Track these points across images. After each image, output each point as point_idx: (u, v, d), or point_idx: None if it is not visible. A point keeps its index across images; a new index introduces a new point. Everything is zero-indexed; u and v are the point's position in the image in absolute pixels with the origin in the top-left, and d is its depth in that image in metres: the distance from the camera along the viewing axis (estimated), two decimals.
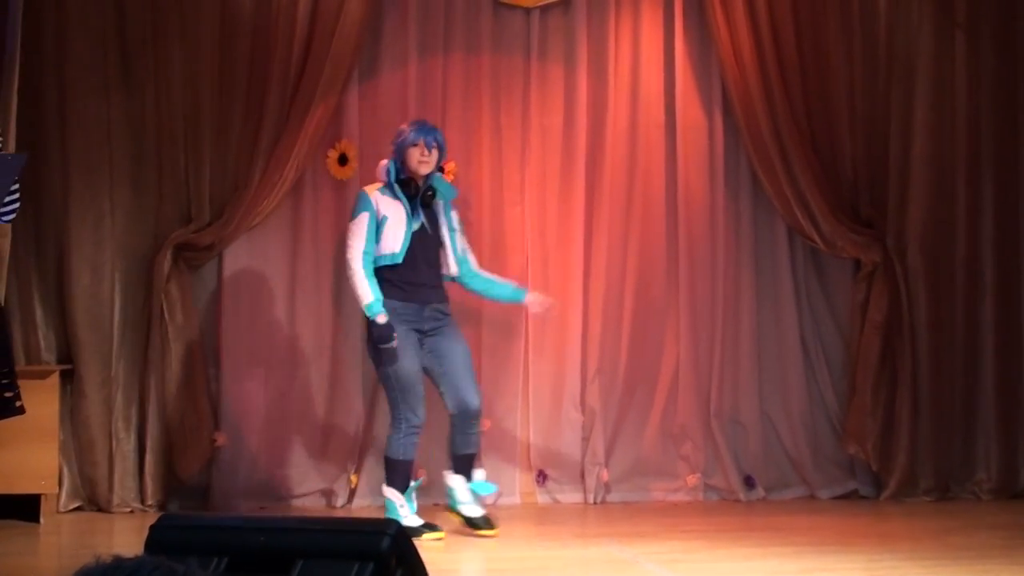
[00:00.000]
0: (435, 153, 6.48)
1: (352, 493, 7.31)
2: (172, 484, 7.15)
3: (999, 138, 7.77)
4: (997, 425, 7.70)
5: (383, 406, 7.35)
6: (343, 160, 7.39)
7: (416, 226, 6.44)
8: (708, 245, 7.70)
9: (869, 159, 7.72)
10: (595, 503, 7.46)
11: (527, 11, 7.61)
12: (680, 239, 7.68)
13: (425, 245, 6.46)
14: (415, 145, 6.46)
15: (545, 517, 6.62)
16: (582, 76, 7.62)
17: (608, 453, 7.56)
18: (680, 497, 7.62)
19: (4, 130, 6.37)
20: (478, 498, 6.51)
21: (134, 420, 7.11)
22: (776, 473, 7.71)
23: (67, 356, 7.07)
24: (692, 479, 7.64)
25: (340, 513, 7.12)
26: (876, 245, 7.61)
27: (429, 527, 6.36)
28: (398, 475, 6.41)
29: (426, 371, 6.46)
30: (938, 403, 7.64)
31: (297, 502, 7.29)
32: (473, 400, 6.45)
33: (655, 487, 7.64)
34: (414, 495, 6.45)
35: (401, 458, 6.40)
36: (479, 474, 6.55)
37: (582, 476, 7.50)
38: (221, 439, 7.22)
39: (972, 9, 7.76)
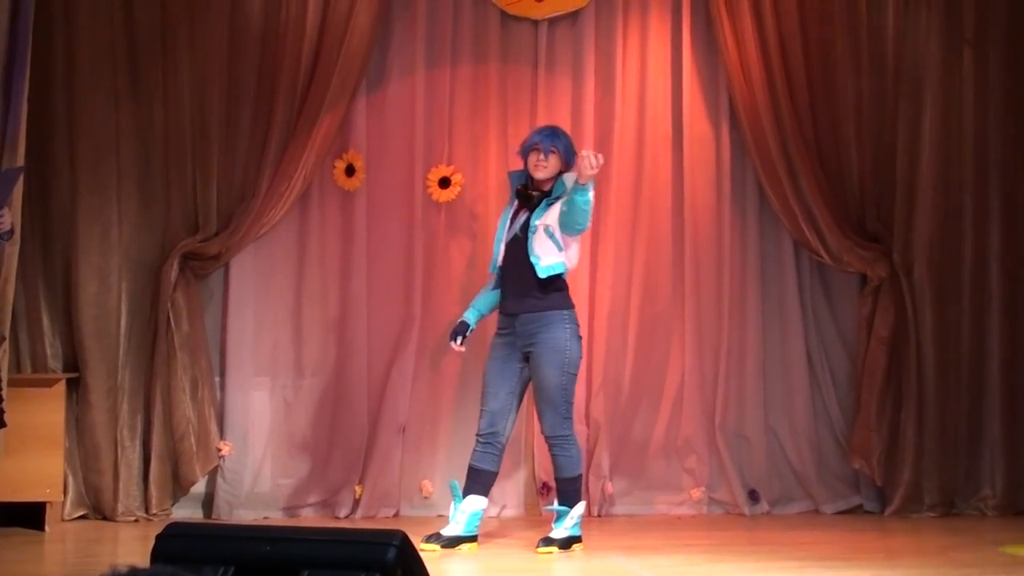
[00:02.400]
0: (552, 158, 6.42)
1: (356, 504, 7.31)
2: (177, 493, 7.16)
3: (1006, 154, 7.76)
4: (1003, 441, 7.68)
5: (387, 418, 7.37)
6: (350, 171, 7.40)
7: (511, 235, 6.44)
8: (714, 258, 7.70)
9: (876, 174, 7.72)
10: (599, 516, 7.45)
11: (535, 22, 7.62)
12: (686, 252, 7.68)
13: (519, 253, 6.40)
14: (534, 149, 6.44)
15: (548, 529, 6.60)
16: (589, 88, 7.63)
17: (612, 466, 7.55)
18: (684, 511, 7.61)
19: (15, 138, 6.39)
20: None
21: (139, 428, 7.11)
22: (781, 487, 7.70)
23: (73, 364, 7.08)
24: (696, 492, 7.63)
25: (344, 524, 7.11)
26: (882, 260, 7.61)
27: (461, 540, 6.36)
28: (465, 479, 6.45)
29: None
30: (943, 418, 7.63)
31: (301, 512, 7.29)
32: (543, 424, 6.43)
33: (659, 500, 7.63)
34: (463, 504, 6.38)
35: (469, 462, 6.45)
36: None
37: (586, 488, 7.49)
38: (226, 448, 7.23)
39: (980, 25, 7.75)
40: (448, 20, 7.54)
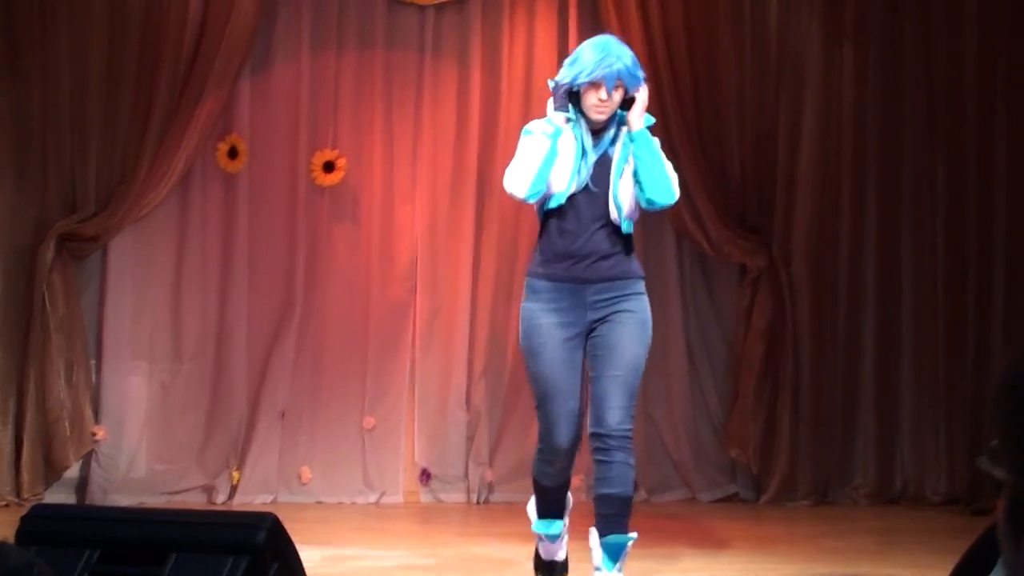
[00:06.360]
0: (618, 94, 4.97)
1: (234, 490, 7.26)
2: (50, 477, 7.06)
3: (883, 148, 7.88)
4: (875, 431, 7.80)
5: (266, 404, 7.32)
6: (233, 153, 7.34)
7: (586, 172, 5.00)
8: None
9: (757, 166, 7.80)
10: (479, 503, 7.47)
11: (421, 8, 7.60)
12: None
13: (594, 202, 5.03)
14: (594, 86, 4.95)
15: (428, 516, 6.62)
16: (475, 75, 7.62)
17: (493, 453, 7.56)
18: None
19: None
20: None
21: (12, 411, 7.00)
22: (658, 475, 7.76)
23: None
24: (576, 480, 7.66)
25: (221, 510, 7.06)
26: (762, 251, 7.70)
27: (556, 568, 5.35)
28: (536, 500, 5.31)
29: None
30: (818, 409, 7.74)
31: (178, 498, 7.22)
32: (611, 417, 5.00)
33: None
34: (563, 533, 5.37)
35: (536, 480, 5.23)
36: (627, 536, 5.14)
37: (466, 475, 7.51)
38: (101, 433, 7.14)
39: (860, 21, 7.86)
40: (334, 4, 7.49)
